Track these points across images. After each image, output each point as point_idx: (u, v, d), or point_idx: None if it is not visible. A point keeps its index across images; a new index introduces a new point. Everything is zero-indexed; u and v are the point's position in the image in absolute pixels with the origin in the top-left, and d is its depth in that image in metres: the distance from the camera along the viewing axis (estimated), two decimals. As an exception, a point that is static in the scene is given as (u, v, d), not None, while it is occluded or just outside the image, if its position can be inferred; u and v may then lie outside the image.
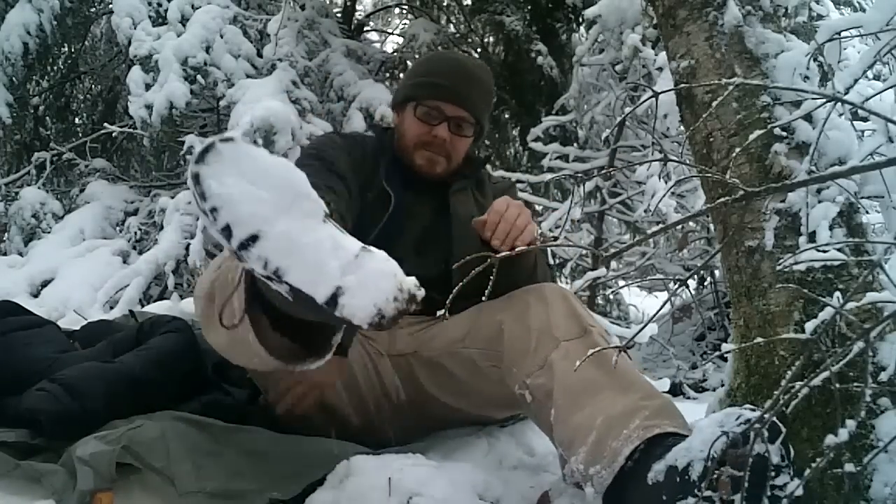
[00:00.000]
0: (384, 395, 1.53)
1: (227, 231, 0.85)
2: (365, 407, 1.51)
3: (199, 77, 3.90)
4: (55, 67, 5.70)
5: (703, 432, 0.97)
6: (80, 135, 5.75)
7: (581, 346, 1.24)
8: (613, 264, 3.95)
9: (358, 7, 5.92)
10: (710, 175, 1.31)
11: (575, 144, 4.00)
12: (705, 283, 4.25)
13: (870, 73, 2.82)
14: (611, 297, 4.88)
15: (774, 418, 0.93)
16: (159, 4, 4.22)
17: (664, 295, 4.95)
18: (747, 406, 1.01)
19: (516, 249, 0.94)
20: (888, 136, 1.08)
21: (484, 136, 1.77)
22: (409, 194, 1.65)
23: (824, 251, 1.13)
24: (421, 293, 0.89)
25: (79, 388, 1.39)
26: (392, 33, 6.72)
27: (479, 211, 1.67)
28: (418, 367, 1.52)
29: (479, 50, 5.69)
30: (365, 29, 6.08)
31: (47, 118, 5.89)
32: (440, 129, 1.63)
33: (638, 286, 4.69)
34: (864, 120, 1.70)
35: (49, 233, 4.50)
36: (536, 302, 1.35)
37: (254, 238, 0.85)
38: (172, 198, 4.04)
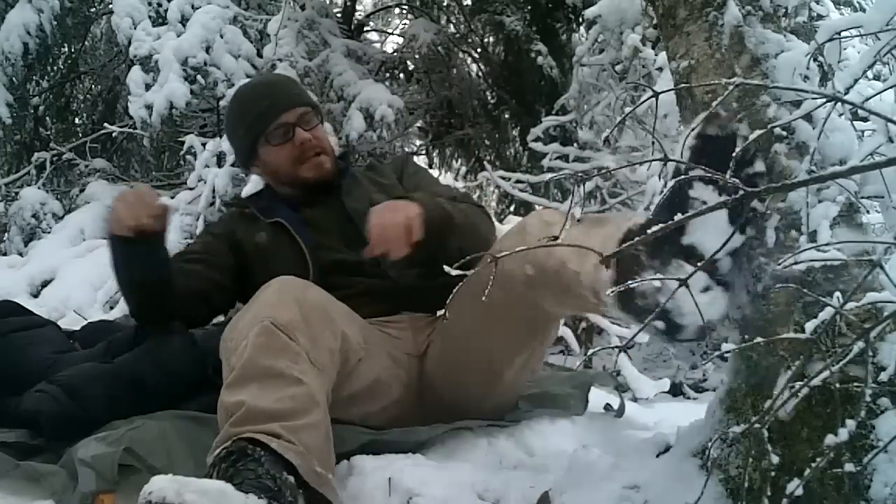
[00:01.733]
0: (407, 394, 1.55)
1: None
2: (388, 405, 1.53)
3: (199, 77, 3.90)
4: (55, 67, 5.70)
5: None
6: (80, 135, 5.74)
7: (575, 230, 1.27)
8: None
9: (358, 7, 5.92)
10: (709, 175, 1.31)
11: (575, 144, 4.00)
12: (705, 283, 4.24)
13: (870, 74, 2.82)
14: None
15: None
16: (159, 4, 4.22)
17: (664, 295, 4.93)
18: None
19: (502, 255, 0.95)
20: (888, 135, 1.08)
21: (321, 112, 1.83)
22: (301, 210, 1.71)
23: (824, 251, 1.13)
24: None
25: (78, 390, 1.39)
26: (392, 33, 6.72)
27: (379, 190, 1.72)
28: (435, 347, 1.55)
29: (479, 50, 5.69)
30: (365, 29, 6.09)
31: (47, 118, 5.89)
32: (297, 135, 1.68)
33: (638, 286, 4.67)
34: (865, 120, 1.70)
35: (49, 233, 4.49)
36: (532, 217, 1.44)
37: None
38: (172, 198, 4.04)
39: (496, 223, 1.75)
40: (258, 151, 1.72)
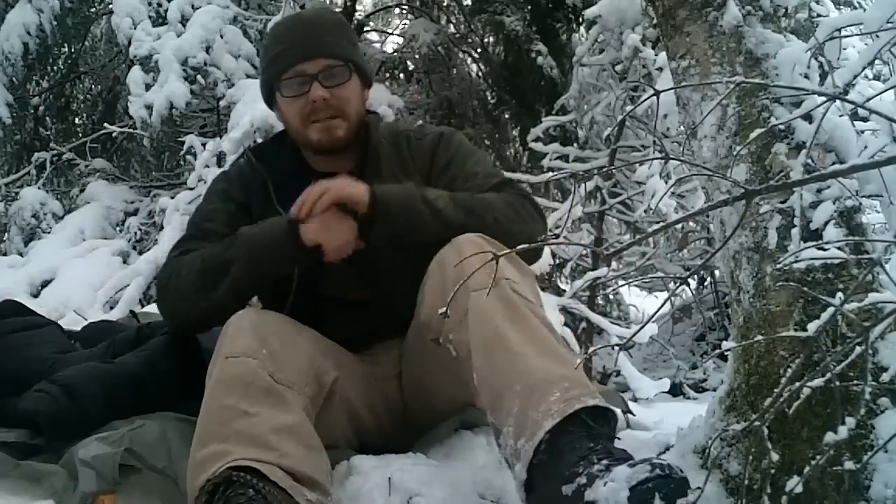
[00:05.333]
0: (390, 414, 1.52)
1: None
2: (384, 424, 1.51)
3: (199, 77, 3.90)
4: (55, 67, 5.70)
5: (617, 479, 0.97)
6: (80, 135, 5.74)
7: (491, 297, 1.19)
8: (613, 264, 3.95)
9: (358, 7, 5.91)
10: (710, 174, 1.31)
11: (575, 144, 4.00)
12: (705, 283, 4.25)
13: (870, 73, 2.82)
14: (611, 297, 4.88)
15: (683, 474, 0.97)
16: (159, 4, 4.21)
17: (664, 295, 4.94)
18: (665, 461, 1.00)
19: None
20: (893, 136, 1.08)
21: (369, 77, 1.57)
22: None
23: (825, 249, 1.13)
24: None
25: (77, 390, 1.39)
26: (392, 33, 6.71)
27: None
28: (410, 370, 1.51)
29: (479, 50, 5.69)
30: (365, 29, 6.08)
31: (47, 118, 5.88)
32: (313, 90, 1.43)
33: (638, 286, 4.69)
34: (864, 120, 1.70)
35: (49, 233, 4.50)
36: (451, 254, 1.28)
37: None
38: (172, 198, 4.03)
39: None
40: (275, 99, 1.52)
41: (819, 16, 2.82)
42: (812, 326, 0.95)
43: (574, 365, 1.17)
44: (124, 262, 4.07)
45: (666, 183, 2.99)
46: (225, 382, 1.21)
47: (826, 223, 1.18)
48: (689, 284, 3.98)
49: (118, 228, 4.57)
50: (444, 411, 1.50)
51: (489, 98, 5.81)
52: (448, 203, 1.37)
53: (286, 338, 1.29)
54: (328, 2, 4.99)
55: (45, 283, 3.82)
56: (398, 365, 1.52)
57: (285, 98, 1.48)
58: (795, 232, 1.18)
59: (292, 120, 1.50)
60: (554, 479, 1.04)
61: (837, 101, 1.09)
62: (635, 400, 2.60)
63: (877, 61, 1.22)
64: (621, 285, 4.41)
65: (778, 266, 1.20)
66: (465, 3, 5.71)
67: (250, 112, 3.51)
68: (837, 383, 0.86)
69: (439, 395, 1.46)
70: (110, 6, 4.46)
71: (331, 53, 1.46)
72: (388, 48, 6.26)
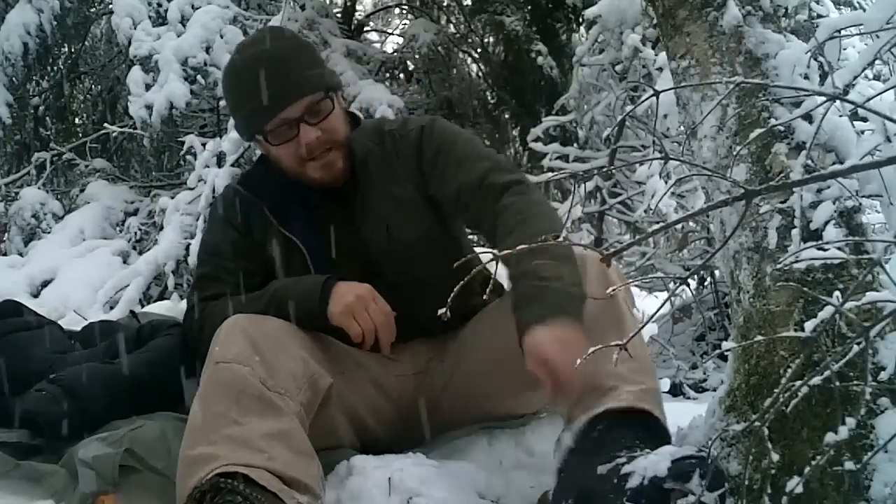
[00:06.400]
0: (397, 410, 1.52)
1: None
2: (390, 424, 1.51)
3: (199, 77, 3.91)
4: (55, 67, 5.71)
5: (660, 454, 1.01)
6: (80, 135, 5.76)
7: (608, 311, 1.26)
8: (613, 264, 3.94)
9: (358, 7, 5.93)
10: (710, 174, 1.31)
11: (575, 144, 4.00)
12: (705, 283, 4.25)
13: (870, 73, 2.82)
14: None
15: (722, 470, 1.00)
16: (159, 4, 4.22)
17: (664, 295, 4.94)
18: (701, 449, 1.02)
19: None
20: (886, 134, 1.08)
21: (339, 86, 1.53)
22: (319, 217, 1.50)
23: (825, 249, 1.13)
24: None
25: (77, 390, 1.39)
26: (392, 33, 6.73)
27: (397, 208, 1.49)
28: (442, 370, 1.51)
29: (479, 50, 5.70)
30: (365, 29, 6.09)
31: (47, 118, 5.89)
32: (303, 134, 1.41)
33: (638, 286, 4.68)
34: (864, 120, 1.70)
35: (49, 233, 4.50)
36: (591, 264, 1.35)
37: None
38: (172, 198, 4.04)
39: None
40: (259, 142, 1.50)
41: (819, 16, 2.82)
42: (811, 326, 0.95)
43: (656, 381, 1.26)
44: (124, 262, 4.08)
45: (666, 183, 2.99)
46: (215, 389, 1.21)
47: (826, 223, 1.18)
48: (689, 284, 3.96)
49: (118, 228, 4.58)
50: (479, 414, 1.52)
51: (489, 98, 5.83)
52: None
53: (279, 343, 1.29)
54: (328, 2, 4.99)
55: (45, 283, 3.83)
56: (421, 364, 1.53)
57: (274, 146, 1.46)
58: (795, 232, 1.18)
59: (286, 161, 1.47)
60: (592, 459, 1.09)
61: (837, 102, 1.09)
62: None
63: (877, 61, 1.22)
64: (621, 285, 4.40)
65: (778, 266, 1.20)
66: (465, 3, 5.72)
67: (250, 112, 3.51)
68: (837, 383, 0.86)
69: (491, 396, 1.48)
70: (110, 6, 4.47)
71: (310, 89, 1.43)
72: (388, 48, 6.27)
